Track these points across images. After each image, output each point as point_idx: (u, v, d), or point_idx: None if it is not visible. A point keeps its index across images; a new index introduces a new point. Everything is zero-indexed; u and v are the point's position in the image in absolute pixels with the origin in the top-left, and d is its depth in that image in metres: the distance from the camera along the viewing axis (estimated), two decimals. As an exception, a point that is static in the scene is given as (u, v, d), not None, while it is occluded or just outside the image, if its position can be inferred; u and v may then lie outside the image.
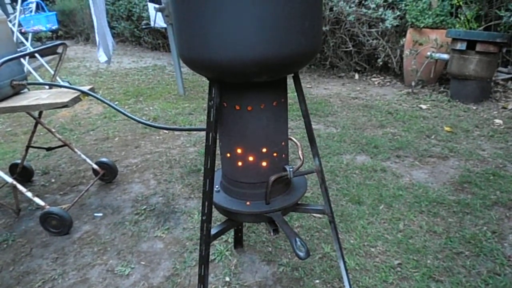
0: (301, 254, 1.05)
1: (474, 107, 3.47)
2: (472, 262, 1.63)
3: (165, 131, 3.33)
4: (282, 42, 0.93)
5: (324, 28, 4.68)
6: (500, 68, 3.91)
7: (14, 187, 2.01)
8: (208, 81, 1.10)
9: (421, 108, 3.56)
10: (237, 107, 1.11)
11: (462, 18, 3.75)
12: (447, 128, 3.03)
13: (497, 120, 3.14)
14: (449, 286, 1.52)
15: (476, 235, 1.79)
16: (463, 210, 1.98)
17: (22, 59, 2.10)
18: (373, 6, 4.32)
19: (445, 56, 3.75)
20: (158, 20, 4.57)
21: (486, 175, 2.29)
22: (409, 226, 1.89)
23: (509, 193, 2.10)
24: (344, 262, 1.42)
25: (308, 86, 4.57)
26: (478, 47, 3.35)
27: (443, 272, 1.59)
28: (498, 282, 1.52)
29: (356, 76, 4.87)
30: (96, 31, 4.18)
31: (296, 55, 0.97)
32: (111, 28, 4.93)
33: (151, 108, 4.01)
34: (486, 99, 3.60)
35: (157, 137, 3.23)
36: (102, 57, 4.33)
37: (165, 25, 4.35)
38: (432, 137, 2.91)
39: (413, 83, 4.04)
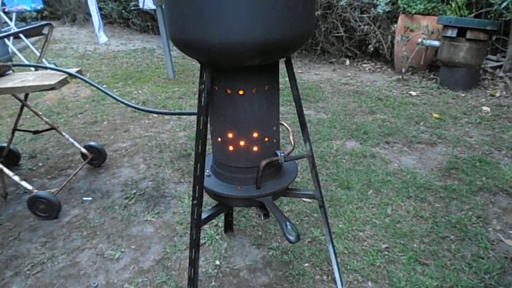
0: (292, 238, 1.06)
1: (463, 94, 3.51)
2: (457, 246, 1.68)
3: (154, 115, 3.30)
4: (275, 25, 0.91)
5: (315, 13, 4.64)
6: (489, 56, 3.94)
7: (1, 170, 1.98)
8: (199, 65, 1.08)
9: (410, 94, 3.58)
10: (229, 91, 1.10)
11: (453, 5, 3.75)
12: (435, 115, 3.06)
13: (484, 108, 3.19)
14: (434, 269, 1.56)
15: (462, 220, 1.83)
16: (449, 196, 2.02)
17: (6, 40, 2.04)
18: (365, -9, 4.28)
19: (436, 43, 3.77)
20: (147, 2, 4.47)
21: (472, 162, 2.33)
22: (396, 211, 1.92)
23: (495, 179, 2.14)
24: (333, 246, 1.44)
25: (299, 71, 4.55)
26: (469, 35, 3.37)
27: (429, 256, 1.63)
28: (482, 265, 1.56)
29: (347, 61, 4.86)
30: (95, 11, 4.08)
31: (289, 38, 0.96)
32: (99, 9, 4.83)
33: (140, 91, 3.95)
34: (474, 86, 3.64)
35: (147, 121, 3.20)
36: (103, 38, 4.23)
37: (154, 7, 4.27)
38: (421, 123, 2.93)
39: (403, 70, 4.05)
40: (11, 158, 2.51)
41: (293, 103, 1.26)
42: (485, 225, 1.81)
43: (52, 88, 1.86)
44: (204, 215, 1.25)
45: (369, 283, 1.51)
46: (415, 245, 1.69)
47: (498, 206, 1.94)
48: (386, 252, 1.65)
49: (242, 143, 1.16)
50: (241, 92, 1.09)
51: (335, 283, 1.48)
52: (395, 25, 4.21)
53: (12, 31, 2.19)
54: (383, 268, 1.57)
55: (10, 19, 5.31)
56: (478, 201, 1.97)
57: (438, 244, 1.69)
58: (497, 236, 1.73)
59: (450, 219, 1.84)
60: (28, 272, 1.64)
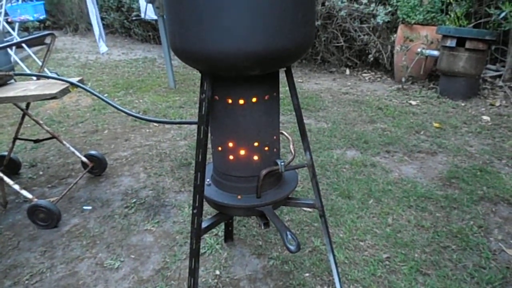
0: (292, 247, 1.05)
1: (463, 104, 3.52)
2: (458, 256, 1.66)
3: (155, 124, 3.31)
4: (276, 35, 0.92)
5: (316, 23, 4.68)
6: (488, 66, 3.96)
7: (1, 179, 1.98)
8: (199, 74, 1.09)
9: (410, 104, 3.59)
10: (229, 101, 1.11)
11: (452, 15, 3.78)
12: (436, 124, 3.06)
13: (484, 117, 3.19)
14: (435, 279, 1.54)
15: (463, 230, 1.82)
16: (450, 205, 2.01)
17: (8, 49, 2.06)
18: (364, 1, 4.32)
19: (435, 52, 3.79)
20: (148, 12, 4.51)
21: (473, 171, 2.33)
22: (397, 221, 1.91)
23: (495, 189, 2.13)
24: (334, 256, 1.43)
25: (299, 80, 4.57)
26: (468, 44, 3.39)
27: (430, 266, 1.62)
28: (483, 276, 1.55)
29: (347, 71, 4.88)
30: (96, 21, 4.12)
31: (289, 48, 0.97)
32: (101, 19, 4.89)
33: (141, 100, 3.97)
34: (474, 96, 3.65)
35: (147, 130, 3.21)
36: (103, 47, 4.27)
37: (155, 17, 4.30)
38: (421, 133, 2.94)
39: (403, 79, 4.07)
40: (12, 167, 2.51)
41: (293, 112, 1.27)
42: (487, 234, 1.80)
43: (53, 97, 1.87)
44: (204, 225, 1.24)
45: (370, 294, 1.50)
46: (416, 255, 1.68)
47: (499, 215, 1.93)
48: (387, 262, 1.64)
49: (242, 152, 1.17)
50: (241, 102, 1.10)
51: (336, 293, 1.47)
52: (395, 35, 4.24)
53: (14, 41, 2.21)
54: (384, 278, 1.56)
55: (13, 28, 5.36)
56: (479, 210, 1.96)
57: (440, 254, 1.68)
58: (499, 246, 1.72)
59: (451, 229, 1.83)
60: (27, 281, 1.63)
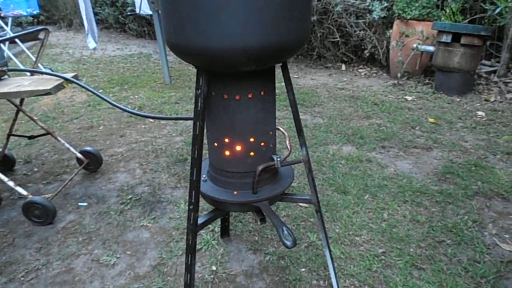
0: (288, 243, 1.06)
1: (458, 99, 3.53)
2: (453, 250, 1.68)
3: (150, 120, 3.30)
4: (271, 31, 0.92)
5: (311, 18, 4.66)
6: (483, 61, 3.98)
7: (-5, 176, 1.96)
8: (195, 70, 1.08)
9: (406, 99, 3.60)
10: (225, 96, 1.10)
11: (447, 11, 3.78)
12: (431, 120, 3.07)
13: (479, 112, 3.21)
14: (430, 273, 1.56)
15: (458, 224, 1.83)
16: (445, 200, 2.03)
17: (1, 45, 2.04)
18: (360, -4, 4.32)
19: (431, 48, 3.79)
20: (143, 7, 4.48)
21: (468, 166, 2.35)
22: (393, 216, 1.92)
23: (490, 184, 2.15)
24: (330, 251, 1.44)
25: (295, 76, 4.56)
26: (463, 40, 3.40)
27: (425, 260, 1.63)
28: (478, 270, 1.56)
29: (343, 67, 4.88)
30: (84, 16, 4.08)
31: (285, 44, 0.97)
32: (95, 14, 4.84)
33: (136, 96, 3.95)
34: (469, 91, 3.67)
35: (143, 126, 3.19)
36: (91, 44, 4.24)
37: (150, 12, 4.27)
38: (417, 128, 2.95)
39: (399, 75, 4.08)
40: (6, 163, 2.49)
41: (290, 108, 1.27)
42: (481, 229, 1.81)
43: (47, 93, 1.85)
44: (200, 220, 1.24)
45: (366, 288, 1.51)
46: (411, 250, 1.69)
47: (494, 210, 1.95)
48: (382, 257, 1.65)
49: (238, 148, 1.16)
50: (237, 97, 1.10)
51: (332, 288, 1.48)
52: (391, 31, 4.24)
53: (8, 36, 2.19)
54: (380, 273, 1.57)
55: (6, 24, 5.30)
56: (474, 205, 1.98)
57: (435, 248, 1.69)
58: (493, 240, 1.74)
59: (446, 224, 1.85)
60: (22, 278, 1.62)
